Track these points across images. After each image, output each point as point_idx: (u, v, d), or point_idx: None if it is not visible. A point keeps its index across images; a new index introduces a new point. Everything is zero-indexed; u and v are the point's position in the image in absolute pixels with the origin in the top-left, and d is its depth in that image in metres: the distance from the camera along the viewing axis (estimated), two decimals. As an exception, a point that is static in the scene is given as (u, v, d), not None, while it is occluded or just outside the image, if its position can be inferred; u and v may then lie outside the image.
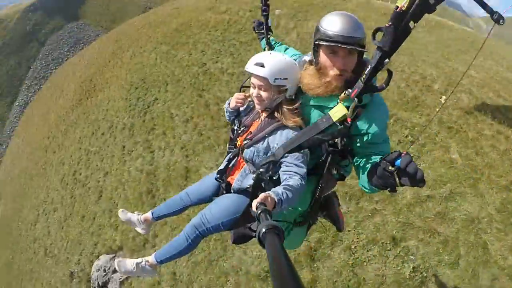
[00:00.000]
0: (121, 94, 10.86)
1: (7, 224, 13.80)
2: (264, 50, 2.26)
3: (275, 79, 1.63)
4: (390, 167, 1.19)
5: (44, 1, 51.32)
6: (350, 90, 1.40)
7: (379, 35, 1.19)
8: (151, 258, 1.99)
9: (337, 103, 1.52)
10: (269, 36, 2.32)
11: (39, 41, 50.54)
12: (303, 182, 1.56)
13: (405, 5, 1.06)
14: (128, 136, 8.88)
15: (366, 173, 1.45)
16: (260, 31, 2.39)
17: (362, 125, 1.54)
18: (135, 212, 2.28)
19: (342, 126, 1.50)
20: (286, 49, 2.22)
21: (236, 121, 1.97)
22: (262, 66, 1.64)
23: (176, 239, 1.92)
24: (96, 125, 11.02)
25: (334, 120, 1.48)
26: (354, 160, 1.62)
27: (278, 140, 1.67)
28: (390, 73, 1.32)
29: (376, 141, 1.55)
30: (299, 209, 1.84)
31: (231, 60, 9.40)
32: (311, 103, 1.66)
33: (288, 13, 10.68)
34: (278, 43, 2.38)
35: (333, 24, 1.44)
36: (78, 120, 12.99)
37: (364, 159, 1.54)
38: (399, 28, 1.11)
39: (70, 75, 19.80)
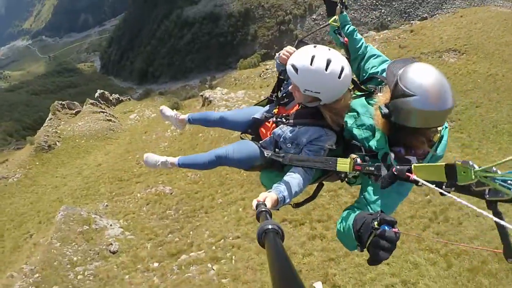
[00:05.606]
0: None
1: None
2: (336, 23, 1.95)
3: (305, 90, 1.56)
4: (376, 223, 1.07)
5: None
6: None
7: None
8: (175, 160, 2.28)
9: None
10: (343, 12, 1.93)
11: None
12: (307, 174, 1.56)
13: None
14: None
15: (354, 214, 1.31)
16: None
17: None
18: (174, 110, 2.63)
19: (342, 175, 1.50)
20: (366, 48, 1.90)
21: (284, 82, 1.96)
22: (296, 71, 1.53)
23: (200, 155, 2.16)
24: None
25: (338, 169, 1.46)
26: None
27: (306, 135, 1.64)
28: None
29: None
30: None
31: None
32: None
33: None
34: (355, 31, 1.94)
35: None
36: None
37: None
38: None
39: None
